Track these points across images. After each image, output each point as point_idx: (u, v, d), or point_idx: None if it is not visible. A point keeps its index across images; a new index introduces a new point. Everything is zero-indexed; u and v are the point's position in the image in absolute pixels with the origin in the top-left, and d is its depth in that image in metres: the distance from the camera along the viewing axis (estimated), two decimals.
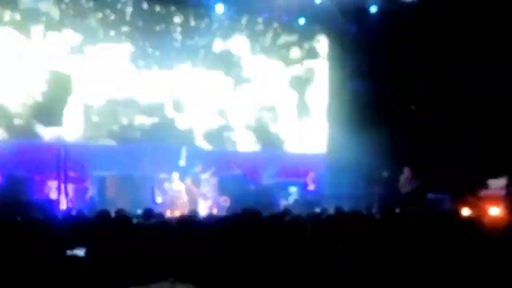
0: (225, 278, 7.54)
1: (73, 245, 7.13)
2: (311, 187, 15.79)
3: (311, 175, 16.05)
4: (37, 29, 14.52)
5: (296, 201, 14.99)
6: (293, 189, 15.41)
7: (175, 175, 14.33)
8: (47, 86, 12.66)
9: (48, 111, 12.59)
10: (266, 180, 15.55)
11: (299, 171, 16.50)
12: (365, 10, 15.98)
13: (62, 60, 14.43)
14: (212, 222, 10.65)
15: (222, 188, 14.64)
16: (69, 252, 6.72)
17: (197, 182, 14.56)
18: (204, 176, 14.68)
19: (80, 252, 6.87)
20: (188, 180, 14.42)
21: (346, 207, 10.65)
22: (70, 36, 14.82)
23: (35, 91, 14.09)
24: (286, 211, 10.23)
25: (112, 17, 15.34)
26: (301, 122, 17.56)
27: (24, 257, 7.30)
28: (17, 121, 14.32)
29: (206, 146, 16.36)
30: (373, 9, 15.98)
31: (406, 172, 15.11)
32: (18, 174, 12.93)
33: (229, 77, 16.73)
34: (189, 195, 14.30)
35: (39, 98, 13.47)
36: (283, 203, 14.61)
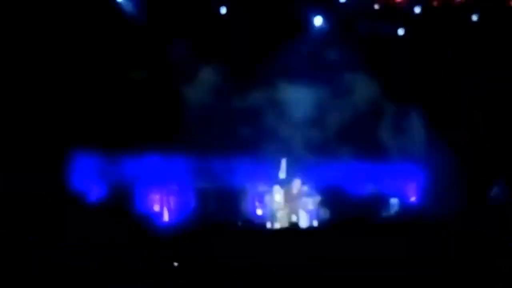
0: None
1: (176, 257, 7.26)
2: (412, 198, 15.59)
3: (412, 186, 15.86)
4: None
5: (397, 213, 14.84)
6: (394, 201, 15.25)
7: (276, 188, 14.41)
8: (150, 97, 13.01)
9: (150, 123, 12.93)
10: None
11: (400, 181, 16.31)
12: (467, 20, 15.71)
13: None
14: (311, 234, 10.69)
15: (323, 200, 14.62)
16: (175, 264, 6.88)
17: (297, 194, 14.58)
18: (305, 188, 14.70)
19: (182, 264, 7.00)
20: (289, 192, 14.46)
21: (448, 219, 10.52)
22: None
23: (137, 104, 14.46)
24: (387, 223, 10.19)
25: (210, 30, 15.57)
26: (400, 132, 17.35)
27: (129, 268, 7.46)
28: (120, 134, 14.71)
29: (306, 157, 16.34)
30: (475, 17, 15.67)
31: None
32: (122, 188, 13.24)
33: (328, 87, 16.70)
34: (289, 207, 14.35)
35: (143, 109, 13.80)
36: (384, 215, 14.51)
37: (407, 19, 15.44)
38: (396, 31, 16.10)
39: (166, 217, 12.63)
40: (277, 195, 14.45)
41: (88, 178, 13.98)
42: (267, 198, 14.43)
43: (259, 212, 14.25)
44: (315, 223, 14.09)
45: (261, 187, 14.51)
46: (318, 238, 13.00)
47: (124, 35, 14.94)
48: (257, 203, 14.33)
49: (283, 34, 15.72)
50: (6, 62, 13.64)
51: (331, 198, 14.74)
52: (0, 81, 13.51)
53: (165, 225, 12.10)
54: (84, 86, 14.86)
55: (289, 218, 14.13)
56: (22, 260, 9.26)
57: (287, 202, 14.41)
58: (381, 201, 15.18)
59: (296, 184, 14.68)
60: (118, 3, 14.38)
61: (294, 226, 13.95)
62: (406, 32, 16.19)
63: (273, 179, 14.69)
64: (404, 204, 15.27)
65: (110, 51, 15.05)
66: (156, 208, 13.14)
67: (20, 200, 12.25)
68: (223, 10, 15.03)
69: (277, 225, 14.04)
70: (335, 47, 16.27)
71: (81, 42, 14.52)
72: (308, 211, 14.51)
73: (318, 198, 14.64)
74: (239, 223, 13.11)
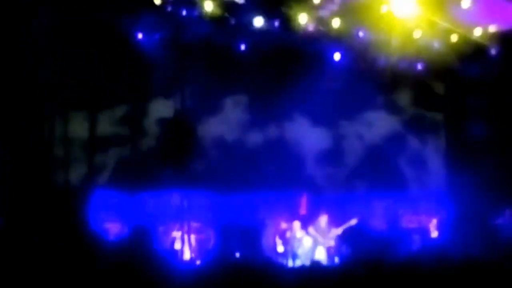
0: None
1: None
2: (434, 234, 15.51)
3: (434, 221, 15.79)
4: None
5: (419, 250, 14.75)
6: (415, 237, 15.17)
7: (296, 224, 14.37)
8: (171, 133, 13.08)
9: (172, 158, 12.98)
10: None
11: (421, 217, 16.24)
12: (484, 53, 15.70)
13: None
14: (333, 271, 10.61)
15: (343, 236, 14.58)
16: None
17: (323, 232, 14.53)
18: (324, 223, 14.66)
19: None
20: (313, 231, 14.41)
21: (472, 256, 10.42)
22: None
23: (158, 138, 14.53)
24: (410, 261, 10.11)
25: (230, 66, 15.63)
26: (419, 165, 17.32)
27: None
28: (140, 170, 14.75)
29: (325, 192, 16.30)
30: (494, 51, 15.65)
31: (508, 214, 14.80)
32: (142, 226, 13.25)
33: (347, 122, 16.72)
34: (310, 244, 14.29)
35: (163, 145, 13.86)
36: (406, 251, 14.42)
37: (426, 54, 15.41)
38: (415, 66, 16.11)
39: (187, 254, 12.63)
40: (298, 231, 14.40)
41: (108, 215, 14.01)
42: (287, 234, 14.39)
43: (280, 249, 14.21)
44: (337, 260, 14.02)
45: (282, 224, 14.49)
46: (339, 275, 12.93)
47: (145, 70, 15.03)
48: (278, 240, 14.30)
49: (304, 70, 15.76)
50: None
51: (352, 233, 14.69)
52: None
53: (186, 263, 12.08)
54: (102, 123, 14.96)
55: (311, 254, 14.08)
56: None
57: (308, 239, 14.34)
58: (403, 237, 15.11)
59: (324, 219, 14.62)
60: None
61: (316, 263, 13.89)
62: (424, 66, 16.19)
63: (294, 215, 14.67)
64: (426, 240, 15.20)
65: (130, 87, 15.16)
66: (177, 245, 13.16)
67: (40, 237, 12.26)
68: (243, 47, 15.05)
69: (298, 262, 13.98)
70: (354, 82, 16.29)
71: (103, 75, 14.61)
72: (330, 248, 14.46)
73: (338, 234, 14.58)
74: (261, 260, 13.05)
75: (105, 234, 13.05)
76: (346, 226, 14.61)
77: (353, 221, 14.62)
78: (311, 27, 14.38)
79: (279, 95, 15.88)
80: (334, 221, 14.83)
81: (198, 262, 12.41)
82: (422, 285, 9.15)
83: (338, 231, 14.58)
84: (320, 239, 14.38)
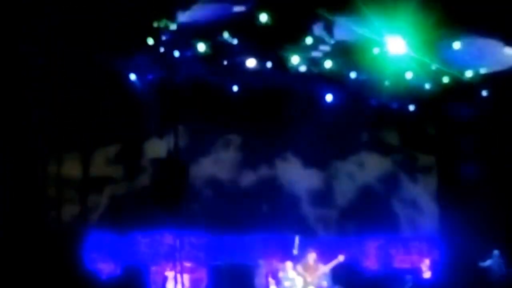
0: None
1: None
2: (426, 274, 15.48)
3: (426, 261, 15.77)
4: None
5: None
6: (408, 277, 15.14)
7: (289, 264, 14.33)
8: (164, 173, 13.11)
9: (165, 198, 13.00)
10: None
11: (413, 257, 16.23)
12: (476, 94, 15.82)
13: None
14: None
15: (336, 277, 14.53)
16: None
17: (310, 270, 14.48)
18: (312, 261, 14.61)
19: None
20: (301, 269, 14.37)
21: None
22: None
23: (151, 178, 14.55)
24: None
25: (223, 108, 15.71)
26: (411, 206, 17.34)
27: None
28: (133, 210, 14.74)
29: (318, 232, 16.30)
30: (485, 93, 15.78)
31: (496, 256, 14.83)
32: (135, 266, 13.22)
33: (339, 163, 16.76)
34: (303, 284, 14.24)
35: (157, 185, 13.89)
36: None
37: (418, 95, 15.52)
38: (407, 107, 16.21)
39: None
40: (290, 271, 14.35)
41: (101, 255, 13.97)
42: (280, 274, 14.35)
43: None
44: None
45: (275, 264, 14.46)
46: None
47: (138, 110, 15.09)
48: (270, 280, 14.25)
49: (296, 110, 15.85)
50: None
51: (344, 273, 14.66)
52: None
53: None
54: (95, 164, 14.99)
55: None
56: None
57: (301, 279, 14.29)
58: (395, 277, 15.08)
59: (312, 257, 14.57)
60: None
61: None
62: (416, 107, 16.29)
63: (286, 255, 14.64)
64: (418, 280, 15.17)
65: (123, 127, 15.20)
66: (170, 285, 13.12)
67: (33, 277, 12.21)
68: (235, 88, 15.16)
69: None
70: (346, 122, 16.37)
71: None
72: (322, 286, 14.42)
73: (330, 274, 14.53)
74: None
75: (97, 274, 13.01)
76: (334, 264, 14.54)
77: (341, 258, 14.54)
78: (303, 68, 14.52)
79: (272, 135, 15.95)
80: (323, 259, 14.79)
81: None
82: None
83: (326, 268, 14.50)
84: (308, 277, 14.31)
